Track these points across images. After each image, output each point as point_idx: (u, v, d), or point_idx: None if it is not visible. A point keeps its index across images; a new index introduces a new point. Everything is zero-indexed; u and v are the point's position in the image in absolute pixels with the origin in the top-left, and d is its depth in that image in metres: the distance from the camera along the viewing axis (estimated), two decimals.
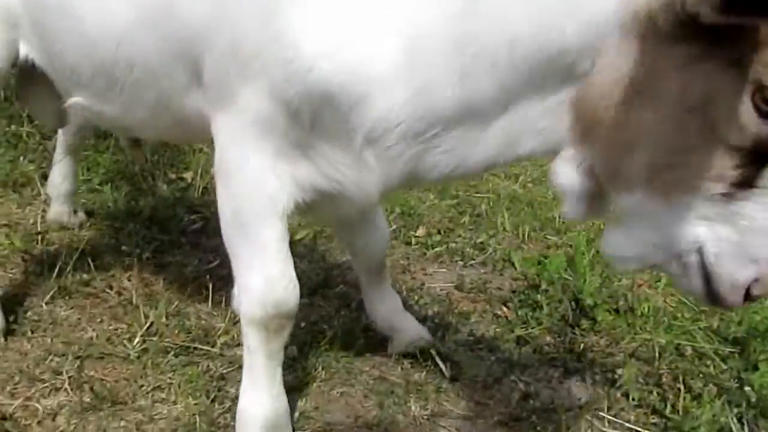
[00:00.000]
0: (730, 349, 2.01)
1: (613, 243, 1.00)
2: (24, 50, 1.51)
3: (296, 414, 1.49)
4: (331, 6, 1.01)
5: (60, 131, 2.23)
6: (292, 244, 2.42)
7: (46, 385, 1.45)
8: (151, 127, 1.44)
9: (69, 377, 1.47)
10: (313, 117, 1.06)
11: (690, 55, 0.83)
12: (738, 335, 2.05)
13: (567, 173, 0.99)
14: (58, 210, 2.26)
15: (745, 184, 0.86)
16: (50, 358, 1.53)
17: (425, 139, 1.05)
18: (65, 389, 1.44)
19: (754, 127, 0.83)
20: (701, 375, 1.85)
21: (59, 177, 2.27)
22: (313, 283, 2.16)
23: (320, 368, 1.67)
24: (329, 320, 1.93)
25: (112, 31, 1.26)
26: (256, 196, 1.17)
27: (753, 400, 1.74)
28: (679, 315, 2.21)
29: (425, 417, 1.54)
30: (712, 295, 0.93)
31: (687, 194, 0.89)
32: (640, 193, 0.92)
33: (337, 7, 1.00)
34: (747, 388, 1.79)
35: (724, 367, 1.93)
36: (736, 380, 1.84)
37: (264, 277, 1.21)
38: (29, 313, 1.70)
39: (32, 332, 1.63)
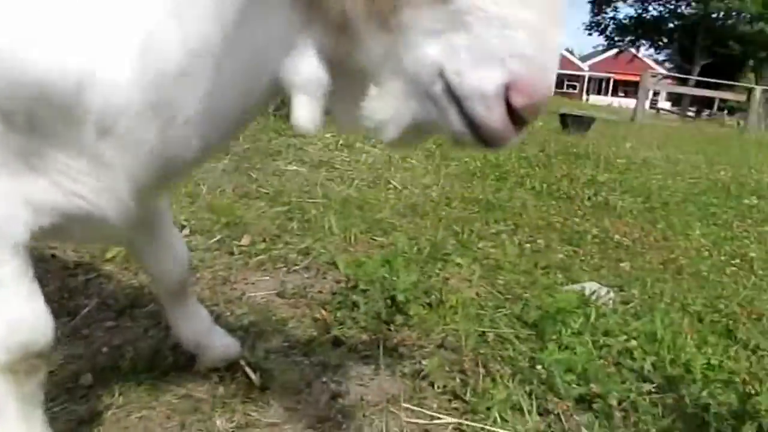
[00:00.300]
0: (528, 332, 2.20)
1: (369, 113, 0.86)
2: None
3: None
4: None
5: None
6: (103, 260, 2.33)
7: None
8: None
9: None
10: (30, 115, 0.93)
11: None
12: (535, 319, 2.24)
13: (305, 65, 0.86)
14: None
15: None
16: None
17: (162, 110, 0.94)
18: None
19: None
20: (500, 358, 2.00)
21: None
22: (121, 305, 2.06)
23: (117, 394, 1.58)
24: (135, 342, 1.85)
25: None
26: None
27: (543, 377, 1.91)
28: (486, 304, 2.38)
29: (230, 430, 1.52)
30: (472, 125, 0.78)
31: (405, 12, 0.75)
32: (367, 36, 0.79)
33: None
34: (538, 367, 1.96)
35: (523, 349, 2.09)
36: (529, 361, 2.00)
37: (4, 320, 1.06)
38: None
39: None
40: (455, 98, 0.77)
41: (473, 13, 0.71)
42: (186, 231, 2.76)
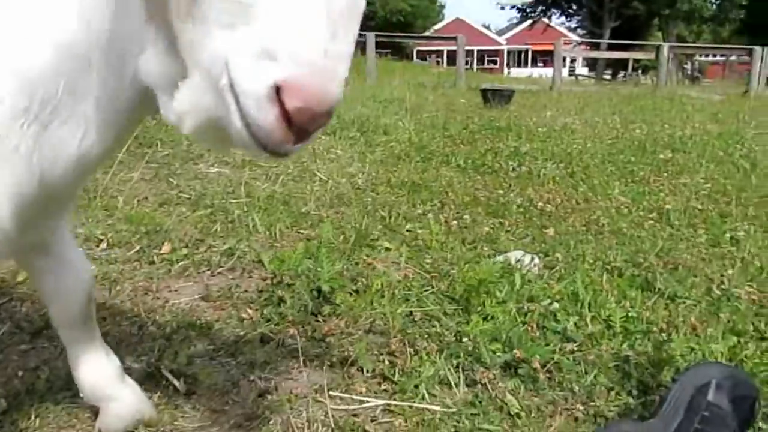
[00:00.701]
0: (455, 308, 2.24)
1: (174, 104, 0.82)
2: None
3: None
4: None
5: None
6: (14, 283, 2.24)
7: None
8: None
9: None
10: None
11: None
12: (460, 293, 2.28)
13: (153, 61, 0.84)
14: None
15: None
16: None
17: (37, 114, 0.91)
18: None
19: None
20: (428, 336, 2.04)
21: None
22: (35, 327, 1.98)
23: (34, 417, 1.53)
24: (51, 362, 1.78)
25: None
26: None
27: (470, 349, 1.96)
28: (412, 285, 2.41)
29: None
30: (250, 128, 0.72)
31: (203, 2, 0.73)
32: (177, 26, 0.77)
33: None
34: (464, 340, 2.00)
35: (450, 324, 2.14)
36: (455, 335, 2.05)
37: None
38: None
39: None
40: (235, 95, 0.72)
41: (259, 5, 0.69)
42: (104, 245, 2.68)
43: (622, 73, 29.48)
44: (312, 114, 0.69)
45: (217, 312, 2.16)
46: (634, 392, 1.84)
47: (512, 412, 1.67)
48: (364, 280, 2.37)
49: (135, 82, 0.91)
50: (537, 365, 1.83)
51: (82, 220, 2.85)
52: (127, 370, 1.70)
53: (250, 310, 2.15)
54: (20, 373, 1.73)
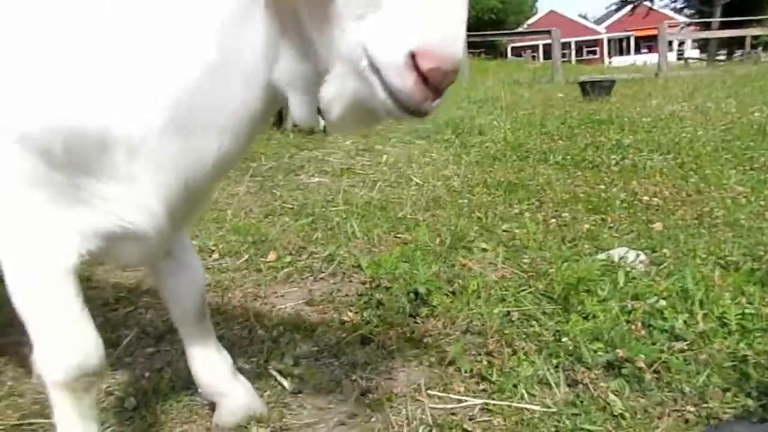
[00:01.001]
0: (553, 307, 2.21)
1: (320, 96, 0.95)
2: None
3: None
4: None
5: None
6: (140, 293, 2.45)
7: None
8: None
9: None
10: (67, 151, 1.03)
11: None
12: (559, 293, 2.25)
13: (286, 65, 1.00)
14: None
15: None
16: None
17: (182, 126, 1.05)
18: None
19: None
20: (525, 336, 2.02)
21: None
22: (159, 332, 2.16)
23: (159, 413, 1.67)
24: (173, 363, 1.94)
25: None
26: (37, 261, 1.12)
27: (570, 348, 1.92)
28: (508, 285, 2.39)
29: None
30: (393, 95, 0.86)
31: (338, 3, 0.87)
32: (314, 29, 0.92)
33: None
34: (564, 339, 1.97)
35: (549, 323, 2.11)
36: (554, 335, 2.02)
37: (61, 342, 1.19)
38: None
39: None
40: (376, 71, 0.85)
41: None
42: (215, 255, 2.87)
43: (738, 53, 27.36)
44: (444, 72, 0.82)
45: (320, 315, 2.26)
46: (754, 393, 1.74)
47: (616, 413, 1.63)
48: (460, 281, 2.39)
49: (262, 91, 1.05)
50: (642, 365, 1.77)
51: (196, 232, 3.06)
52: (240, 370, 1.83)
53: (350, 313, 2.23)
54: (146, 374, 1.90)
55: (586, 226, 3.22)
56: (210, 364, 1.59)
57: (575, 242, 3.02)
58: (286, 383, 1.79)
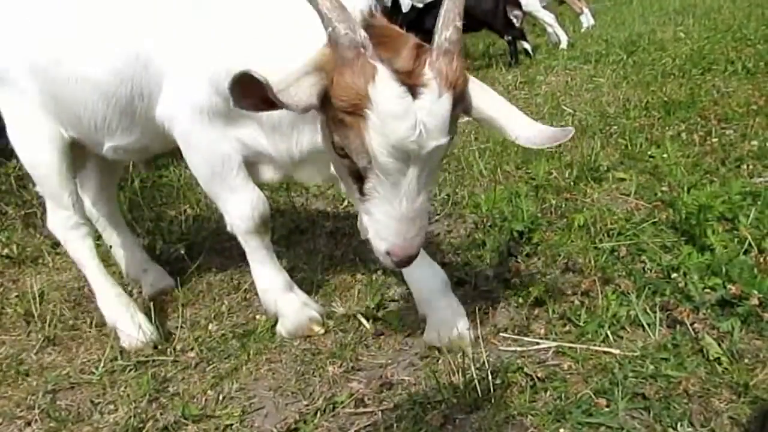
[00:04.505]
0: (674, 240, 1.94)
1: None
2: (65, 133, 1.98)
3: (222, 396, 1.67)
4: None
5: (91, 214, 2.34)
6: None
7: (21, 421, 1.73)
8: (152, 146, 1.95)
9: (41, 410, 1.74)
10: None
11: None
12: (682, 222, 1.97)
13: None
14: (151, 282, 2.34)
15: (361, 192, 1.30)
16: (29, 397, 1.82)
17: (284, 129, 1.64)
18: (36, 420, 1.71)
19: (339, 161, 1.32)
20: (629, 273, 1.81)
21: (127, 256, 2.39)
22: None
23: (252, 353, 1.82)
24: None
25: (104, 89, 1.77)
26: (220, 154, 1.70)
27: (680, 285, 1.69)
28: (630, 217, 2.16)
29: (339, 375, 1.66)
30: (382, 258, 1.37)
31: (353, 196, 1.39)
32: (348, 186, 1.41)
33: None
34: (674, 275, 1.73)
35: (667, 257, 1.87)
36: (663, 270, 1.78)
37: (246, 201, 1.75)
38: (21, 365, 2.01)
39: (21, 379, 1.93)
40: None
41: (372, 212, 1.31)
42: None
43: None
44: (405, 261, 1.34)
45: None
46: None
47: (711, 357, 1.41)
48: (572, 216, 2.21)
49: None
50: (756, 301, 1.50)
51: None
52: (332, 312, 1.93)
53: (451, 255, 2.19)
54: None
55: (755, 143, 2.75)
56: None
57: (739, 162, 2.60)
58: (368, 325, 1.83)
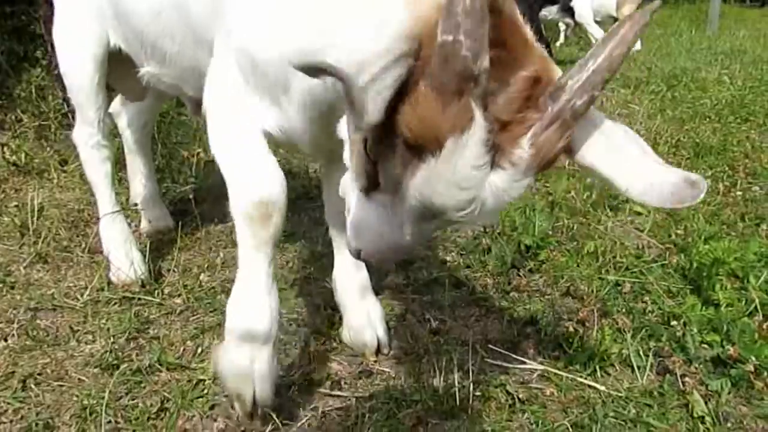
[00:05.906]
0: (682, 287, 1.91)
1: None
2: (112, 39, 1.87)
3: (201, 349, 1.65)
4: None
5: (123, 131, 2.36)
6: None
7: None
8: (196, 86, 1.63)
9: (19, 326, 1.73)
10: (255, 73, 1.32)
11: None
12: (692, 272, 1.94)
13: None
14: (151, 218, 2.33)
15: (366, 192, 1.06)
16: (10, 311, 1.81)
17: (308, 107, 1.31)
18: (13, 334, 1.70)
19: (362, 157, 1.05)
20: (628, 311, 1.79)
21: (139, 184, 2.36)
22: None
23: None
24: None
25: (158, 10, 1.58)
26: (241, 122, 1.40)
27: (677, 334, 1.67)
28: (640, 254, 2.12)
29: (320, 352, 1.64)
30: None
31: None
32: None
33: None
34: (673, 323, 1.70)
35: (669, 303, 1.84)
36: (663, 316, 1.75)
37: (250, 172, 1.40)
38: (9, 277, 2.00)
39: (6, 291, 1.92)
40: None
41: (365, 213, 1.06)
42: None
43: None
44: (378, 261, 1.16)
45: (425, 252, 2.23)
46: None
47: (696, 415, 1.39)
48: (582, 240, 2.18)
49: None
50: (752, 368, 1.47)
51: None
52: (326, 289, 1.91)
53: (454, 254, 2.17)
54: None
55: None
56: (345, 272, 1.70)
57: (759, 221, 2.56)
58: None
